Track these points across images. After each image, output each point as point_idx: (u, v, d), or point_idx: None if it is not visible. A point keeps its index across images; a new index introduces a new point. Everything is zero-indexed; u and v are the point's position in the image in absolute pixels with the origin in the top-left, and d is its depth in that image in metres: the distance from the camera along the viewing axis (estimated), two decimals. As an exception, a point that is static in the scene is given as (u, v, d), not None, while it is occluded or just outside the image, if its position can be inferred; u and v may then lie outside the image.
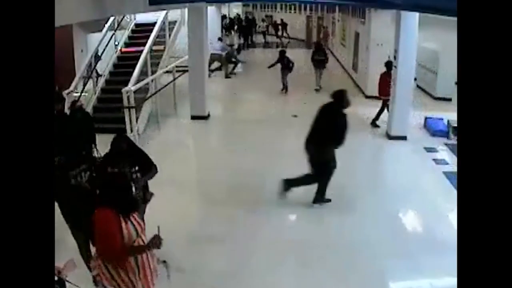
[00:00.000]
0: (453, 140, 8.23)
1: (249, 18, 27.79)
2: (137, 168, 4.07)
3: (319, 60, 12.74)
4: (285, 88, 12.52)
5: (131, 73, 8.64)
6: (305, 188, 6.63)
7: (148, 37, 10.00)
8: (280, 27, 27.23)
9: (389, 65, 8.96)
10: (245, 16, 28.91)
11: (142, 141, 8.34)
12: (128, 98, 7.87)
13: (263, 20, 28.64)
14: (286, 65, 12.41)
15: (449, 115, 8.79)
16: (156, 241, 3.03)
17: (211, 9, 14.07)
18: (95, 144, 6.19)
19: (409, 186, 6.66)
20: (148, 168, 4.22)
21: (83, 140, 6.08)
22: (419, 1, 5.77)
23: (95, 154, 6.01)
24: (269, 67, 12.61)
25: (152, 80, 9.26)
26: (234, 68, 15.34)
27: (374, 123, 9.40)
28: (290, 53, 17.38)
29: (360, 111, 10.62)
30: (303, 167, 7.33)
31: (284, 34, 27.25)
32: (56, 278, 2.84)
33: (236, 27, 25.01)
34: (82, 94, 9.01)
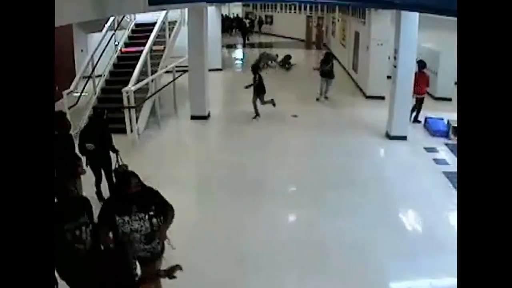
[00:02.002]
0: (453, 140, 8.24)
1: (236, 18, 28.22)
2: (153, 212, 3.29)
3: (327, 72, 11.42)
4: (257, 114, 10.08)
5: (131, 73, 8.64)
6: (305, 187, 6.64)
7: (148, 37, 9.99)
8: (257, 23, 27.94)
9: (420, 64, 9.25)
10: (228, 16, 29.30)
11: (142, 141, 8.35)
12: (128, 98, 7.87)
13: (246, 17, 28.95)
14: (258, 85, 9.96)
15: (449, 115, 8.79)
16: None
17: (211, 9, 14.08)
18: (113, 148, 5.82)
19: (409, 186, 6.66)
20: (164, 210, 3.38)
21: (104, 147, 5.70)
22: (419, 1, 5.77)
23: (119, 162, 5.70)
24: (246, 87, 10.46)
25: (152, 80, 9.26)
26: None
27: (416, 120, 9.47)
28: (290, 53, 17.53)
29: (360, 111, 10.65)
30: (303, 166, 7.37)
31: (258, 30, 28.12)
32: None
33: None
34: (82, 94, 9.05)
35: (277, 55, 17.05)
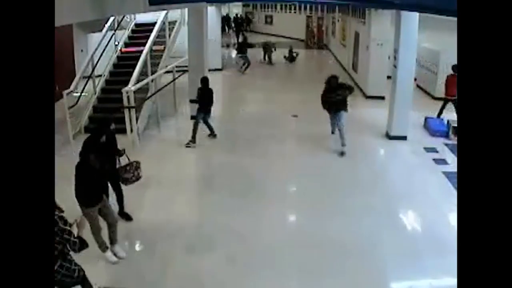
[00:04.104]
0: (453, 140, 8.24)
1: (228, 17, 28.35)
2: None
3: (336, 102, 7.61)
4: (194, 139, 8.17)
5: (131, 73, 8.64)
6: (305, 187, 6.63)
7: (148, 37, 9.99)
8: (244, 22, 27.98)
9: (455, 68, 9.30)
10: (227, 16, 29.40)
11: (142, 141, 8.35)
12: (128, 98, 7.87)
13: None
14: (204, 99, 8.24)
15: (449, 115, 8.79)
16: None
17: (211, 9, 14.08)
18: (118, 151, 5.36)
19: (409, 186, 6.67)
20: None
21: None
22: (419, 1, 5.76)
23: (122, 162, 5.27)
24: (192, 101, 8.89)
25: (152, 80, 9.26)
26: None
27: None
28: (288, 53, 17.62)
29: (360, 111, 10.64)
30: (303, 166, 7.36)
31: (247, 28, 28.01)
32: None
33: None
34: (82, 94, 9.04)
35: (274, 46, 17.89)
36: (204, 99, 8.28)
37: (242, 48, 16.06)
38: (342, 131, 7.70)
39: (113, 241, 4.73)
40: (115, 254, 4.67)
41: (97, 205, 4.53)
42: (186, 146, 8.13)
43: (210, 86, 8.44)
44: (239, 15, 29.18)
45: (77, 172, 4.40)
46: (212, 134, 8.63)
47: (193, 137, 8.16)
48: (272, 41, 18.48)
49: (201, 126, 8.34)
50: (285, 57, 18.01)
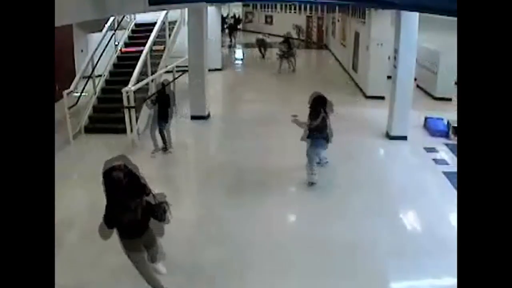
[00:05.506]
0: (453, 140, 8.24)
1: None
2: None
3: (315, 128, 6.50)
4: (159, 148, 7.63)
5: (131, 73, 8.64)
6: (305, 187, 6.64)
7: (148, 37, 10.00)
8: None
9: None
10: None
11: (142, 141, 8.35)
12: (128, 98, 7.87)
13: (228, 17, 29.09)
14: (161, 110, 7.33)
15: (449, 115, 8.79)
16: None
17: (211, 9, 14.09)
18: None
19: (409, 186, 6.66)
20: None
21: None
22: (419, 1, 5.76)
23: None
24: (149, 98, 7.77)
25: (152, 80, 9.26)
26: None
27: None
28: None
29: (360, 111, 10.65)
30: (303, 166, 7.36)
31: (239, 26, 27.83)
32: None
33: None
34: (82, 94, 9.04)
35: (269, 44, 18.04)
36: (162, 105, 7.34)
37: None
38: (309, 157, 6.54)
39: (152, 260, 4.31)
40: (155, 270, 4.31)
41: (132, 238, 3.83)
42: (162, 152, 7.67)
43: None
44: (230, 16, 29.14)
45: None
46: (165, 147, 7.64)
47: (165, 143, 7.65)
48: (267, 40, 18.65)
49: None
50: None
